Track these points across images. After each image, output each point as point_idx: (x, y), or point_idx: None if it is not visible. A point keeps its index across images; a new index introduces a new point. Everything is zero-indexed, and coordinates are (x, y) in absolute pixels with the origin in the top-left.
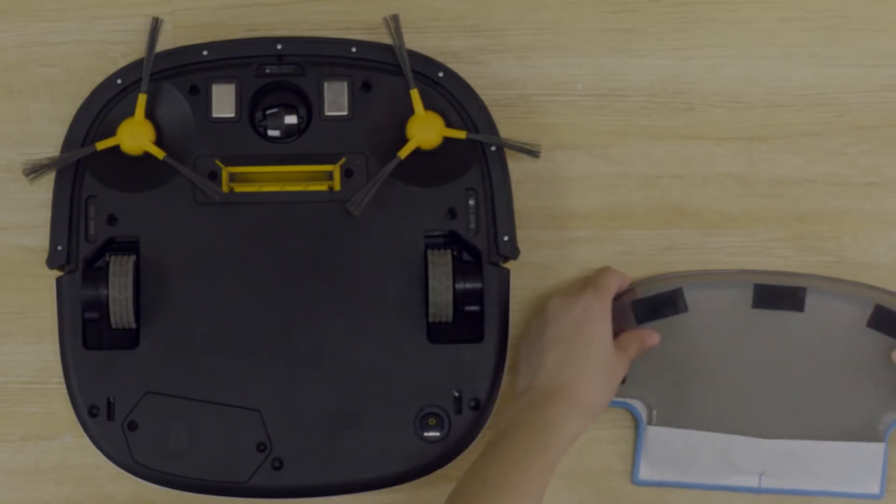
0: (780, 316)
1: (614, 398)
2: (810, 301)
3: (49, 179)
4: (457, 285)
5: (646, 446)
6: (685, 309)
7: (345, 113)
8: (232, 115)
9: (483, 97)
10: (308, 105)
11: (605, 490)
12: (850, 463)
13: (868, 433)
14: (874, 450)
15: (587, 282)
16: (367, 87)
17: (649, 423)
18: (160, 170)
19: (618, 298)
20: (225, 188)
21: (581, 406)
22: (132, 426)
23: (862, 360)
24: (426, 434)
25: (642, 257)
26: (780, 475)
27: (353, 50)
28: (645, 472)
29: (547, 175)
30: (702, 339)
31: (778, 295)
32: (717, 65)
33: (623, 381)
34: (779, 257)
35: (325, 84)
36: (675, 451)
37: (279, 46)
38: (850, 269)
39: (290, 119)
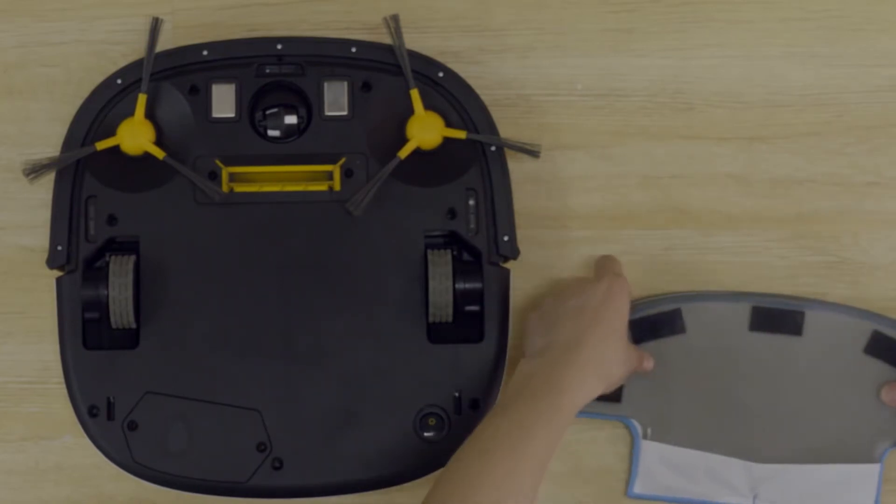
0: (777, 339)
1: (610, 414)
2: (809, 325)
3: (49, 179)
4: (457, 285)
5: (642, 460)
6: (683, 330)
7: (345, 113)
8: (232, 115)
9: (483, 97)
10: (308, 105)
11: (603, 490)
12: (845, 485)
13: (863, 456)
14: (869, 471)
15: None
16: (367, 87)
17: (644, 437)
18: (160, 170)
19: None
20: (225, 188)
21: (597, 368)
22: (132, 426)
23: (859, 386)
24: (426, 434)
25: (642, 257)
26: (774, 498)
27: (353, 50)
28: (640, 487)
29: (547, 175)
30: (699, 360)
31: (776, 318)
32: (717, 65)
33: (619, 400)
34: (779, 257)
35: (325, 84)
36: (671, 466)
37: (279, 46)
38: (850, 269)
39: (290, 119)
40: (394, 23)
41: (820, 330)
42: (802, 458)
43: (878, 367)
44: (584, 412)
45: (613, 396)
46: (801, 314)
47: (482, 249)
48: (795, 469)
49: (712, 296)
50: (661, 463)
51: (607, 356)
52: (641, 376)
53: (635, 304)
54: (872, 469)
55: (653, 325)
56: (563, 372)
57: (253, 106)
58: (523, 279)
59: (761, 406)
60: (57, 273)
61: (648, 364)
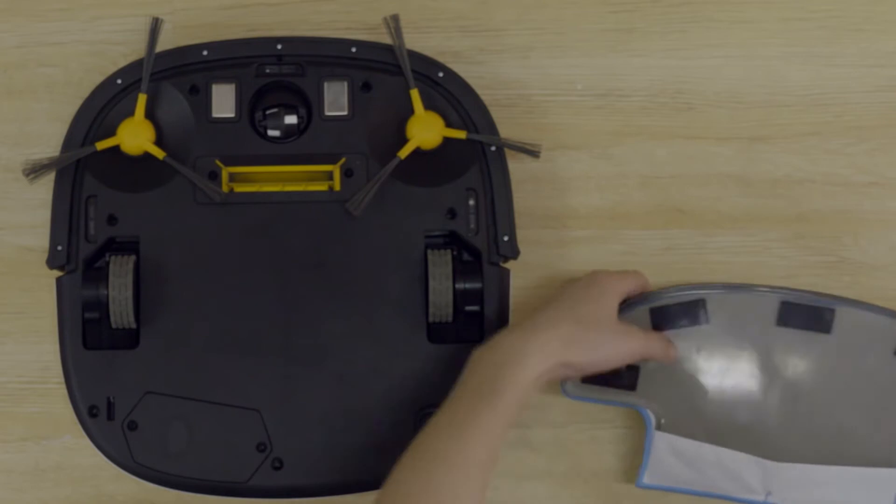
0: (803, 336)
1: (624, 402)
2: (838, 324)
3: (49, 179)
4: (457, 285)
5: (653, 451)
6: (706, 321)
7: (345, 113)
8: (232, 115)
9: (483, 97)
10: (308, 105)
11: (603, 490)
12: (863, 488)
13: (884, 460)
14: (890, 476)
15: None
16: (367, 87)
17: (658, 428)
18: (160, 170)
19: (636, 305)
20: (225, 188)
21: (550, 342)
22: (132, 426)
23: (886, 389)
24: None
25: (642, 257)
26: (787, 497)
27: (353, 50)
28: (650, 477)
29: (547, 175)
30: (720, 353)
31: (804, 314)
32: (717, 65)
33: (634, 388)
34: (779, 257)
35: (325, 84)
36: (682, 458)
37: (279, 46)
38: (850, 269)
39: (290, 119)
40: (394, 23)
41: (849, 329)
42: (820, 458)
43: None
44: (599, 399)
45: (628, 384)
46: (831, 311)
47: (482, 249)
48: (812, 469)
49: (739, 288)
50: (673, 454)
51: (576, 335)
52: (659, 366)
53: (659, 293)
54: (893, 473)
55: (675, 314)
56: (511, 348)
57: (253, 106)
58: (523, 279)
59: (782, 403)
60: (57, 273)
61: (668, 354)
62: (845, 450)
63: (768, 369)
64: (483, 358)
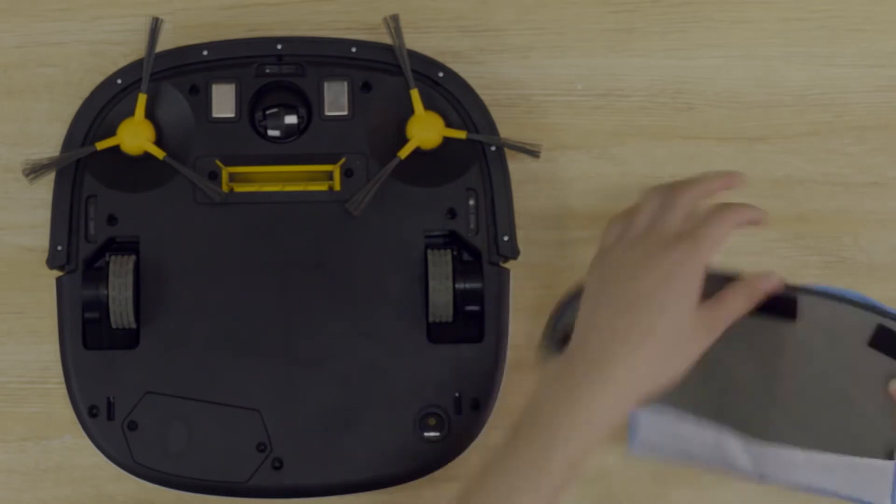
0: (772, 326)
1: None
2: (806, 316)
3: (49, 179)
4: (457, 285)
5: (637, 428)
6: None
7: (345, 113)
8: (232, 115)
9: (483, 97)
10: (308, 105)
11: (602, 490)
12: (859, 477)
13: (874, 450)
14: (883, 467)
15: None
16: (367, 87)
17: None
18: (160, 170)
19: None
20: (225, 188)
21: (622, 389)
22: (132, 426)
23: (864, 378)
24: (426, 434)
25: None
26: (769, 473)
27: (353, 50)
28: (638, 451)
29: (547, 175)
30: None
31: (767, 303)
32: (717, 65)
33: None
34: (779, 257)
35: (325, 84)
36: (668, 434)
37: (279, 46)
38: (850, 269)
39: (290, 119)
40: (394, 23)
41: (817, 319)
42: (804, 443)
43: (883, 361)
44: None
45: None
46: (793, 300)
47: (482, 249)
48: (793, 453)
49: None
50: (657, 430)
51: (639, 367)
52: None
53: None
54: (887, 466)
55: None
56: (566, 400)
57: (253, 106)
58: (523, 279)
59: (759, 385)
60: (57, 273)
61: (774, 282)
62: (830, 436)
63: (741, 358)
64: (551, 399)
